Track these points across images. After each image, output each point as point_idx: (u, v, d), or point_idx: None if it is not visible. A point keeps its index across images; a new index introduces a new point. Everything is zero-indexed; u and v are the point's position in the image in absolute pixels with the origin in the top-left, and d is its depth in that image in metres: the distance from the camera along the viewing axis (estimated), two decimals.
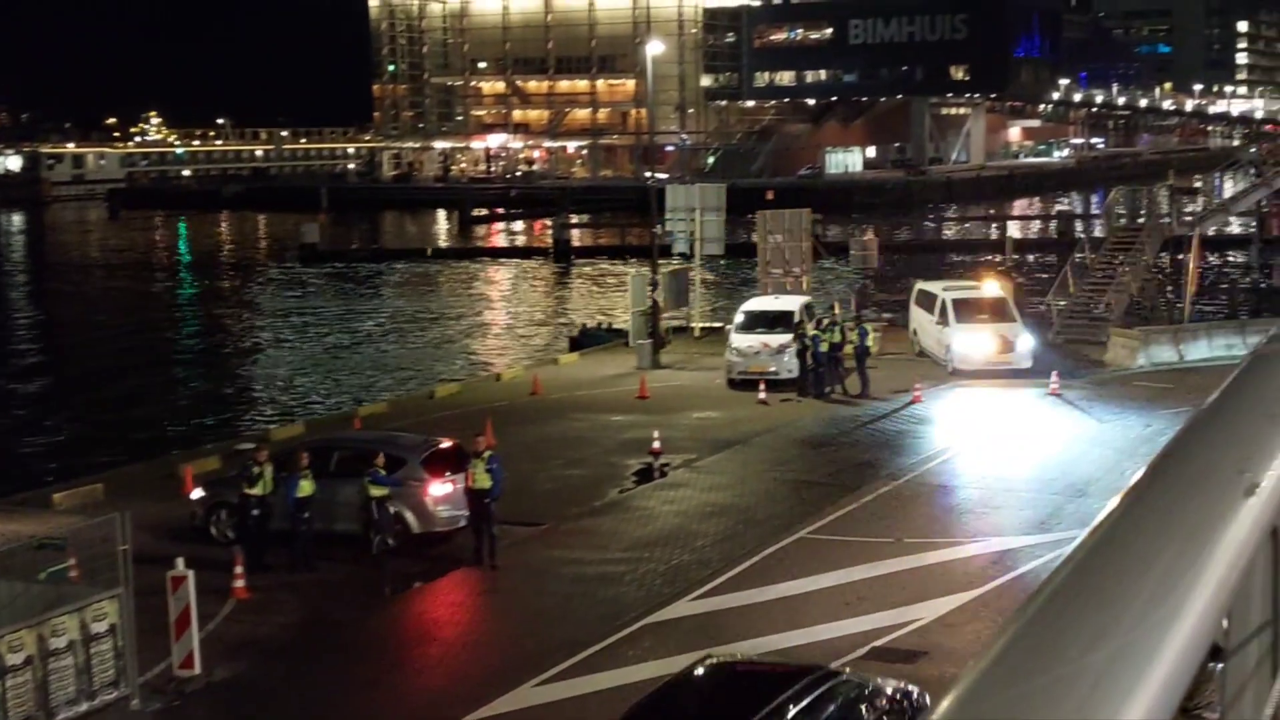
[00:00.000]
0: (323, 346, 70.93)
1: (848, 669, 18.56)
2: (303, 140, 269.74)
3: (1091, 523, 2.53)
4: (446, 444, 31.01)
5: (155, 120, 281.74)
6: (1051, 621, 2.16)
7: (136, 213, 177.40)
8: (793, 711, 15.93)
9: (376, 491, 28.03)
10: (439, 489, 29.44)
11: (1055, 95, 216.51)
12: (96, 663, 20.51)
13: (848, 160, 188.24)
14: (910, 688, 18.08)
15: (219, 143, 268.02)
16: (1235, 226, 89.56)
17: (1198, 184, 64.12)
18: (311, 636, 24.97)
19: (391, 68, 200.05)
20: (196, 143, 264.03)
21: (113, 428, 51.94)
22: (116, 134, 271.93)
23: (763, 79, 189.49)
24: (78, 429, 52.18)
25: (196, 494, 31.17)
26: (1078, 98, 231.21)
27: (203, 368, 66.32)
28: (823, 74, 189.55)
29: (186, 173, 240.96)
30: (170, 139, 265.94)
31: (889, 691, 17.61)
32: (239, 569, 26.75)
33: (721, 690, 17.39)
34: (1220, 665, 3.10)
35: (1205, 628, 2.23)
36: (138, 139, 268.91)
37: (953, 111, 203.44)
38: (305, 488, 28.26)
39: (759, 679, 17.52)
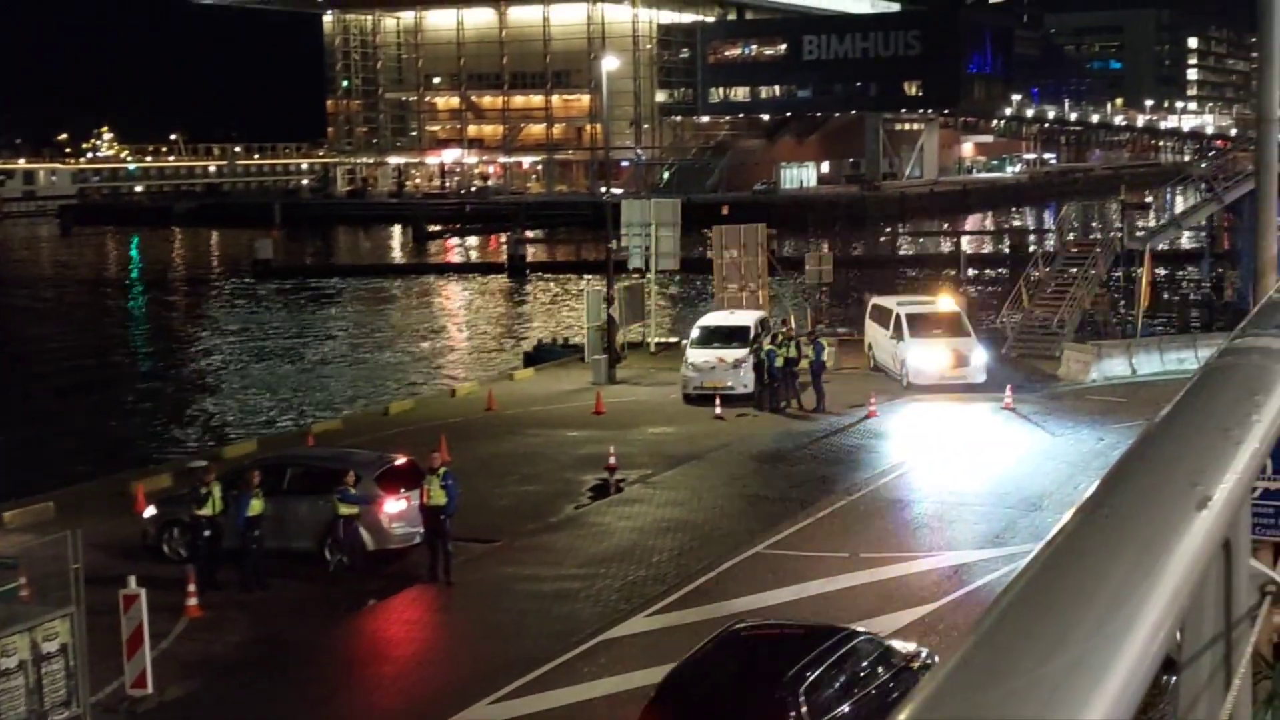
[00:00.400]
0: (276, 363, 70.68)
1: (864, 631, 20.41)
2: (256, 156, 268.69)
3: (1046, 536, 2.54)
4: (401, 461, 30.93)
5: (107, 136, 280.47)
6: (1006, 634, 2.16)
7: (89, 229, 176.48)
8: (821, 666, 17.86)
9: (346, 510, 27.95)
10: (393, 506, 29.37)
11: (1008, 111, 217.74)
12: (48, 683, 20.34)
13: (802, 175, 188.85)
14: (920, 649, 20.29)
15: (172, 159, 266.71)
16: (1187, 241, 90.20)
17: (1149, 199, 64.44)
18: (264, 655, 24.86)
19: (345, 83, 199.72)
20: (149, 159, 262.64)
21: (64, 445, 51.61)
22: (68, 150, 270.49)
23: (717, 94, 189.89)
24: (28, 446, 51.80)
25: (148, 512, 30.99)
26: (1030, 113, 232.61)
27: (155, 384, 65.99)
28: (777, 89, 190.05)
29: (139, 189, 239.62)
30: (123, 155, 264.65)
31: (902, 651, 19.88)
32: (191, 587, 26.61)
33: (758, 647, 19.21)
34: (1174, 677, 3.11)
35: (1159, 640, 2.23)
36: (90, 155, 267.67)
37: (906, 127, 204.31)
38: (256, 506, 28.10)
39: (789, 638, 19.40)
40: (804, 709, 17.25)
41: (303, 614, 26.81)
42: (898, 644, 20.11)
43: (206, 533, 28.11)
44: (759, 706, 17.48)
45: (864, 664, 18.67)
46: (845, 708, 17.67)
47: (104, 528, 31.43)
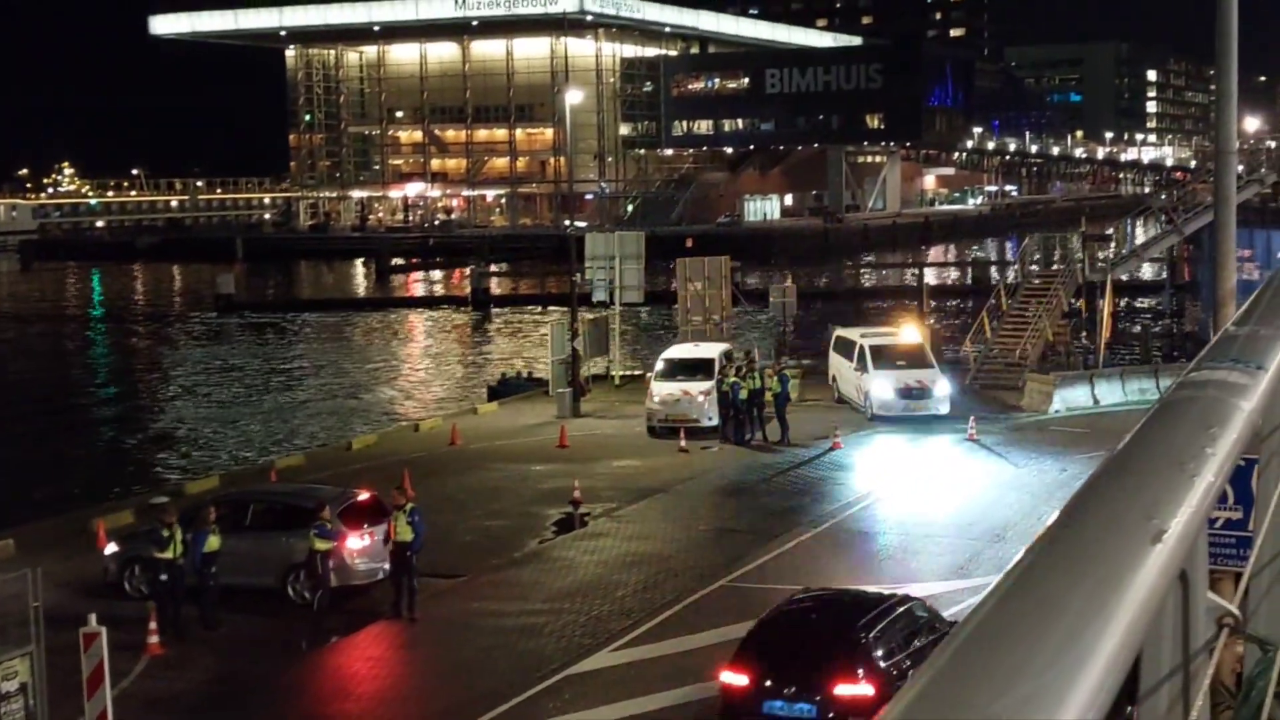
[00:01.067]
0: (238, 398, 70.43)
1: (915, 596, 23.57)
2: (218, 190, 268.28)
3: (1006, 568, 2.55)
4: (364, 496, 30.84)
5: (69, 171, 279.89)
6: (964, 667, 2.16)
7: (49, 264, 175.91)
8: (885, 620, 21.27)
9: (321, 545, 27.81)
10: (356, 542, 29.27)
11: (969, 143, 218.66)
12: None
13: (766, 208, 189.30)
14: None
15: (134, 193, 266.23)
16: (1148, 272, 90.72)
17: (1110, 231, 64.75)
18: (227, 693, 24.73)
19: (308, 117, 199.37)
20: (111, 193, 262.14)
21: (23, 482, 51.27)
22: (29, 185, 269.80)
23: (681, 127, 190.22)
24: None
25: (110, 549, 30.83)
26: (991, 146, 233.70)
27: (116, 420, 65.68)
28: (740, 123, 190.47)
29: (100, 224, 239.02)
30: (84, 190, 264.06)
31: (947, 617, 22.71)
32: (153, 625, 26.45)
33: (828, 605, 22.75)
34: (1131, 709, 3.12)
35: (1116, 671, 2.24)
36: (51, 190, 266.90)
37: (869, 159, 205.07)
38: (213, 543, 27.89)
39: (855, 601, 23.04)
40: (875, 652, 20.55)
41: (265, 651, 26.67)
42: (946, 613, 23.50)
43: (164, 576, 27.76)
44: (837, 650, 20.68)
45: (918, 622, 21.91)
46: (906, 660, 20.55)
47: (65, 565, 31.26)
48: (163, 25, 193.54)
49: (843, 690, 20.06)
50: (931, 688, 2.12)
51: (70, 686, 21.95)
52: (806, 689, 20.17)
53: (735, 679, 20.68)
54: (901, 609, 21.88)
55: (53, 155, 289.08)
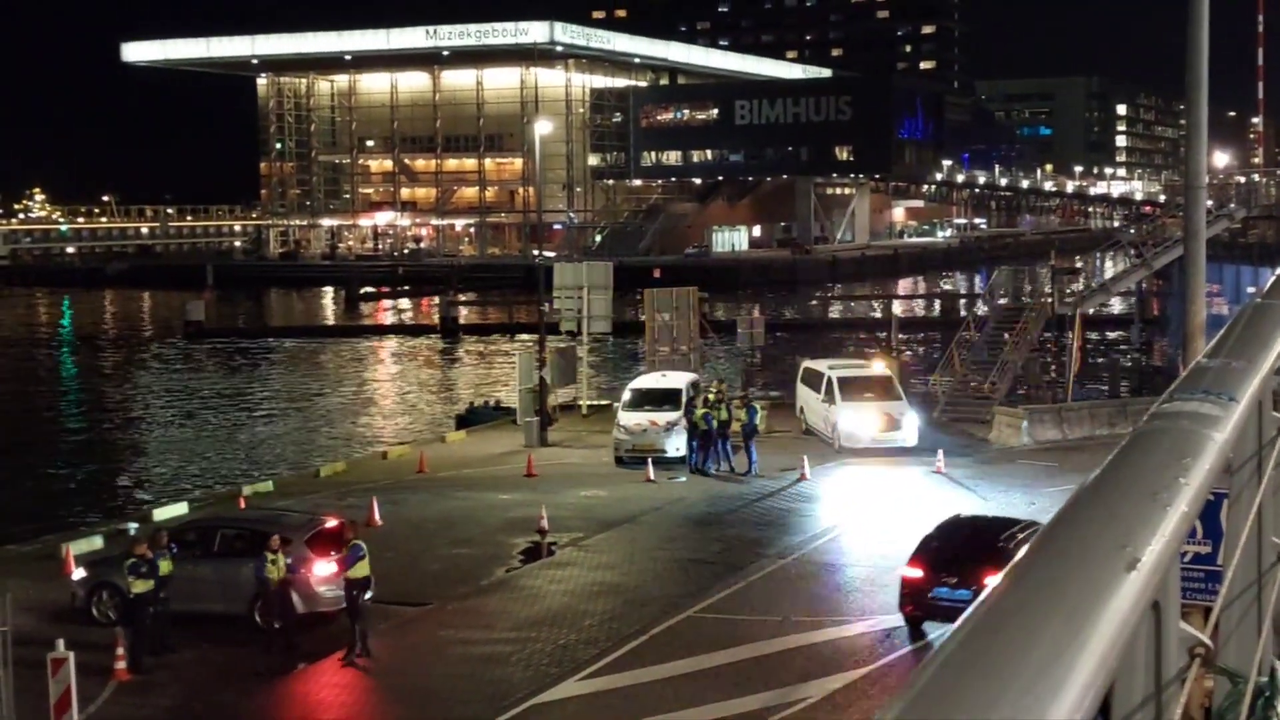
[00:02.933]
0: (207, 424, 70.18)
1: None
2: (189, 218, 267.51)
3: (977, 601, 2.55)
4: (332, 523, 30.73)
5: (39, 197, 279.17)
6: (936, 698, 2.16)
7: (19, 290, 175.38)
8: (1023, 534, 28.00)
9: (274, 572, 27.61)
10: (323, 569, 29.16)
11: (939, 176, 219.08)
12: None
13: (734, 239, 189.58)
14: None
15: (104, 220, 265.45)
16: (1117, 306, 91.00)
17: (1079, 264, 64.91)
18: (193, 718, 24.60)
19: (279, 145, 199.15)
20: (81, 219, 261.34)
21: None
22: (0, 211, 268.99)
23: (650, 158, 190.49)
24: None
25: (78, 575, 30.70)
26: (961, 178, 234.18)
27: (84, 447, 65.38)
28: (709, 154, 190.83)
29: (71, 250, 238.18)
30: (54, 216, 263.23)
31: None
32: (120, 650, 26.31)
33: (977, 524, 30.61)
34: None
35: (1089, 701, 2.24)
36: (21, 216, 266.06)
37: (838, 191, 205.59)
38: (165, 567, 27.73)
39: (998, 520, 31.45)
40: (1012, 557, 24.22)
41: (232, 678, 26.54)
42: None
43: (151, 609, 27.47)
44: (988, 552, 27.15)
45: None
46: None
47: (32, 591, 31.12)
48: (135, 52, 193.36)
49: (990, 580, 22.80)
50: (909, 713, 2.12)
51: (38, 711, 21.84)
52: (964, 581, 26.84)
53: (912, 573, 27.93)
54: (1031, 529, 28.16)
55: (24, 181, 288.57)
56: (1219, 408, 3.93)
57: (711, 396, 46.53)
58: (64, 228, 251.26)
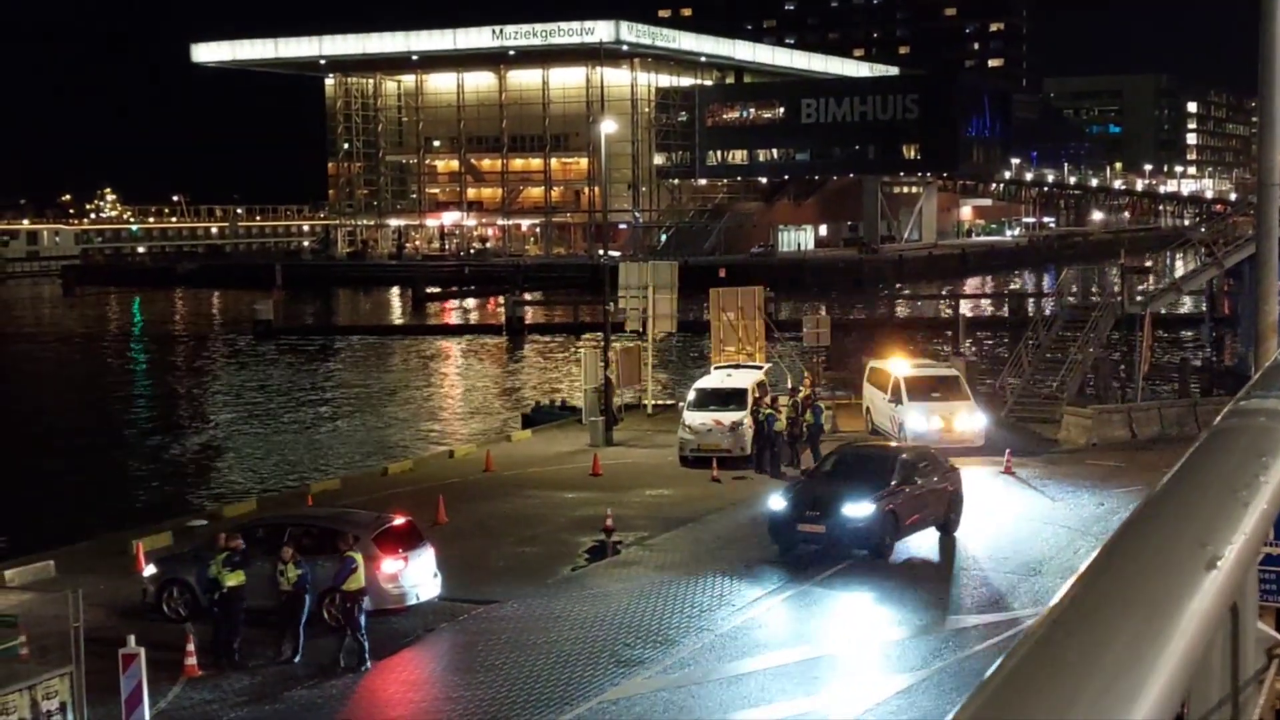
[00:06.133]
0: (275, 422, 70.60)
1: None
2: (258, 218, 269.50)
3: (1048, 600, 2.52)
4: (399, 521, 30.83)
5: (111, 197, 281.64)
6: (1012, 697, 2.14)
7: (91, 289, 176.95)
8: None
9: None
10: (391, 566, 29.26)
11: (1006, 174, 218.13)
12: None
13: (800, 238, 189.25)
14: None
15: (174, 220, 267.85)
16: (1187, 305, 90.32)
17: (1149, 263, 64.43)
18: (263, 715, 24.70)
19: (346, 145, 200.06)
20: (152, 220, 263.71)
21: (64, 504, 51.56)
22: (72, 211, 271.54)
23: (715, 157, 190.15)
24: (28, 505, 51.71)
25: (149, 571, 30.89)
26: (1029, 177, 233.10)
27: (155, 444, 65.86)
28: (775, 152, 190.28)
29: (141, 250, 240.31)
30: (125, 216, 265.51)
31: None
32: (190, 646, 26.45)
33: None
34: None
35: (1168, 703, 2.21)
36: (93, 216, 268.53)
37: (904, 190, 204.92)
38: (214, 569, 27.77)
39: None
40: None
41: (303, 673, 26.63)
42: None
43: (243, 603, 27.48)
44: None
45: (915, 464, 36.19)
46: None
47: (104, 586, 31.38)
48: (204, 53, 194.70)
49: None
50: (984, 712, 2.09)
51: (110, 706, 22.01)
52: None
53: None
54: (904, 456, 35.71)
55: (95, 181, 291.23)
56: None
57: (801, 395, 46.64)
58: (134, 228, 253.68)
